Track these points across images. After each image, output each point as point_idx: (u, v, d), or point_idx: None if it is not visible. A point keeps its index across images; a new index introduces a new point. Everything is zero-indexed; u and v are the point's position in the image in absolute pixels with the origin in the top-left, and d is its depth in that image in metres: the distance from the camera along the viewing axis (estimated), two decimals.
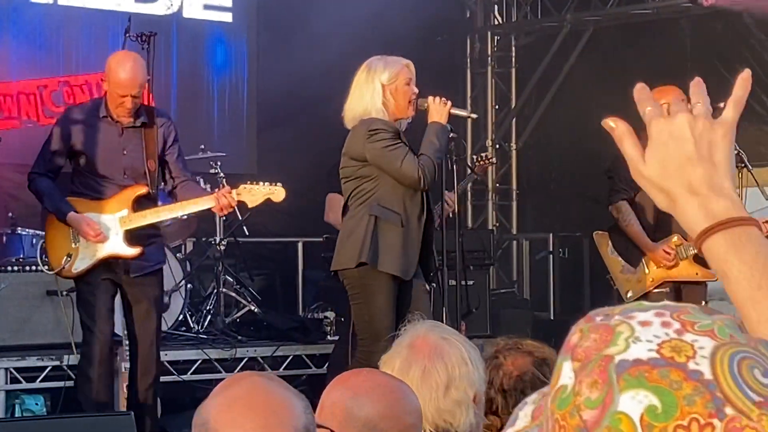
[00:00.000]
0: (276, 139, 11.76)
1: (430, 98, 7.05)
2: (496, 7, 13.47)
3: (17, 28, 11.21)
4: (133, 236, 7.50)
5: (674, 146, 1.56)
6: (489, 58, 13.58)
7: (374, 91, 6.99)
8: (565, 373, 1.21)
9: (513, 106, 13.41)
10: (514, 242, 13.29)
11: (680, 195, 1.56)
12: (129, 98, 7.45)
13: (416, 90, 7.10)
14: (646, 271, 8.59)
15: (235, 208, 10.10)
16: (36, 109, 10.53)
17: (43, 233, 7.97)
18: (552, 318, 10.17)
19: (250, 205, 8.33)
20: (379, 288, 7.04)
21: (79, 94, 10.64)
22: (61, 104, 10.30)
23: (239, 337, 10.15)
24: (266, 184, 8.04)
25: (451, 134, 7.44)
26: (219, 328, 10.24)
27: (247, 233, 10.57)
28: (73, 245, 7.45)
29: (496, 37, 13.64)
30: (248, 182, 8.05)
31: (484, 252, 11.95)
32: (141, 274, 7.64)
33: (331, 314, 9.83)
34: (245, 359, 9.82)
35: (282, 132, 11.63)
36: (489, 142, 13.36)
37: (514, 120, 13.43)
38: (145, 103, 10.41)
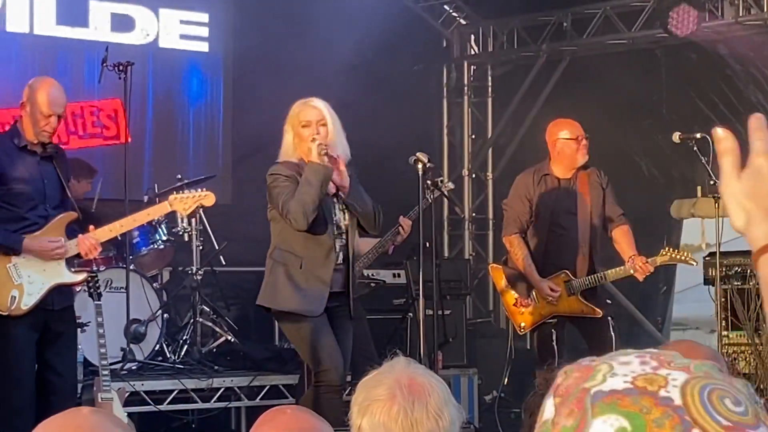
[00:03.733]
0: (251, 170, 11.75)
1: (316, 146, 7.00)
2: (472, 36, 13.50)
3: None
4: (72, 264, 7.50)
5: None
6: (465, 88, 13.61)
7: (286, 130, 7.21)
8: (548, 409, 1.28)
9: (489, 135, 13.43)
10: None
11: (759, 216, 1.61)
12: (55, 117, 7.32)
13: (315, 135, 7.05)
14: (537, 304, 8.67)
15: (207, 226, 10.13)
16: None
17: None
18: (528, 348, 10.14)
19: (183, 214, 8.34)
20: (290, 326, 7.26)
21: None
22: None
23: (216, 367, 10.11)
24: (197, 190, 8.10)
25: (429, 164, 7.45)
26: (195, 358, 10.18)
27: (223, 262, 10.58)
28: (15, 282, 7.24)
29: (472, 67, 13.65)
30: (178, 192, 8.06)
31: (461, 282, 11.98)
32: (67, 305, 7.65)
33: None
34: (222, 389, 9.80)
35: (257, 162, 11.62)
36: (465, 172, 13.39)
37: (490, 150, 13.45)
38: (121, 132, 10.43)
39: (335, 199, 7.18)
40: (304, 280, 7.06)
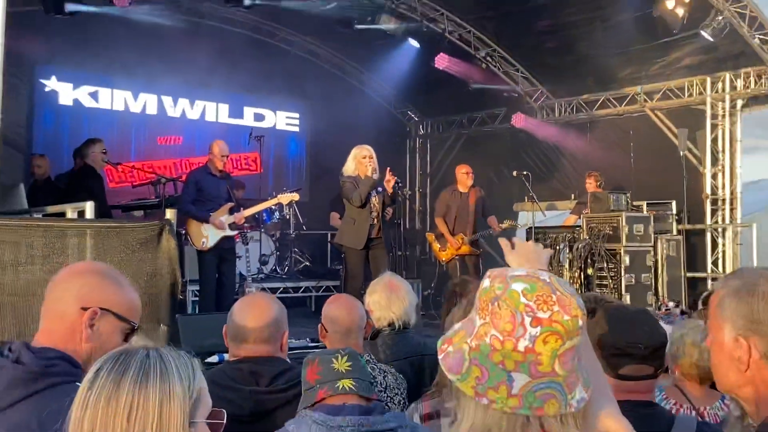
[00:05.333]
0: (319, 186, 11.74)
1: (371, 168, 6.94)
2: (420, 126, 13.43)
3: (183, 134, 11.28)
4: (231, 227, 7.42)
5: (524, 255, 1.52)
6: (417, 150, 13.49)
7: (350, 159, 7.08)
8: (485, 282, 1.25)
9: (428, 172, 13.41)
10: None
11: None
12: (226, 158, 7.42)
13: (370, 162, 6.96)
14: (447, 250, 8.72)
15: (297, 211, 10.05)
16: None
17: (183, 229, 7.38)
18: (445, 270, 10.12)
19: (284, 203, 8.33)
20: (349, 252, 7.06)
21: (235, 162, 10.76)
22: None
23: (300, 277, 10.17)
24: (291, 192, 8.09)
25: (400, 184, 7.41)
26: (292, 272, 10.23)
27: (305, 229, 10.58)
28: (204, 234, 7.26)
29: (419, 140, 13.53)
30: (282, 192, 8.05)
31: (415, 239, 12.05)
32: (231, 246, 7.54)
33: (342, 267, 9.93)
34: (303, 287, 9.84)
35: (321, 183, 11.62)
36: (417, 189, 13.38)
37: (428, 179, 13.45)
38: (258, 167, 10.36)
39: (375, 194, 7.08)
40: (355, 231, 7.00)
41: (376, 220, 7.13)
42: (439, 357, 1.24)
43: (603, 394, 1.31)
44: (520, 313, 1.18)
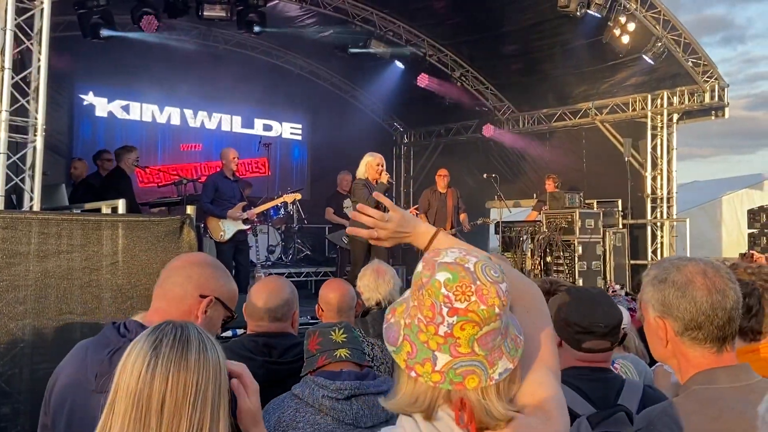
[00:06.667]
0: (318, 186, 11.70)
1: (384, 174, 6.72)
2: (405, 135, 13.40)
3: (202, 141, 11.11)
4: (244, 222, 7.32)
5: (399, 224, 1.45)
6: (402, 156, 13.42)
7: (362, 165, 6.78)
8: (419, 266, 1.16)
9: (411, 174, 13.38)
10: None
11: (408, 236, 1.48)
12: (236, 163, 7.24)
13: (382, 169, 6.63)
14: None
15: (299, 208, 9.98)
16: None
17: (202, 223, 7.29)
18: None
19: (288, 201, 8.16)
20: (355, 243, 6.82)
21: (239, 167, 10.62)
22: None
23: (302, 264, 10.05)
24: (294, 191, 8.05)
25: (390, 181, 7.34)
26: (294, 260, 10.11)
27: (306, 223, 10.52)
28: (222, 228, 7.13)
29: (404, 147, 13.48)
30: (287, 192, 8.01)
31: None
32: (244, 238, 7.45)
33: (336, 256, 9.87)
34: (305, 272, 9.75)
35: (321, 184, 11.57)
36: (402, 188, 13.37)
37: (411, 180, 13.43)
38: (266, 170, 10.28)
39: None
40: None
41: None
42: (384, 326, 1.18)
43: (540, 363, 1.22)
44: (439, 303, 1.10)
